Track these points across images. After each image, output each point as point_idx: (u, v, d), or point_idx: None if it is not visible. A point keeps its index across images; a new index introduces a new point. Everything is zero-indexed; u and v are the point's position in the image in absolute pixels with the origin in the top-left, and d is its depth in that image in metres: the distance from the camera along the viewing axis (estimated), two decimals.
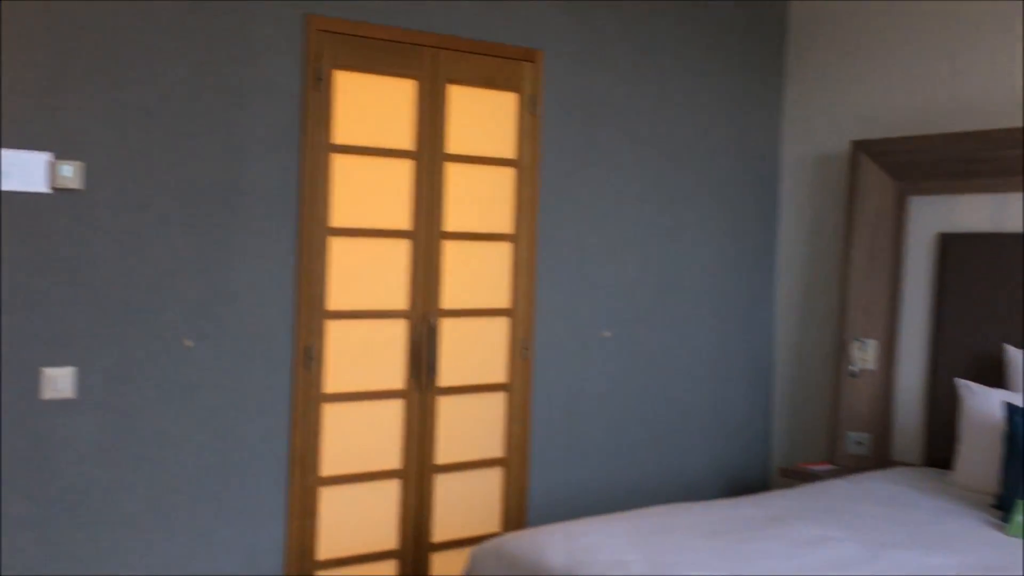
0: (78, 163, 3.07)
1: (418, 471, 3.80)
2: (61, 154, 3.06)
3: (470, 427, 3.93)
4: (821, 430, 4.68)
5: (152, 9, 3.20)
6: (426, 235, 3.78)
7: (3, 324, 2.99)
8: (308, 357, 3.53)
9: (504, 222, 3.99)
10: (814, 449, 4.71)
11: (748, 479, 4.79)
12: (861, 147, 4.39)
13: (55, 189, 3.04)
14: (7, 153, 2.96)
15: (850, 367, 4.37)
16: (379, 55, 3.65)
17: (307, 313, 3.52)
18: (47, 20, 3.03)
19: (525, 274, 4.03)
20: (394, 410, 3.75)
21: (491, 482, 3.99)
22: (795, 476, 4.33)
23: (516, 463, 4.04)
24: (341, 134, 3.59)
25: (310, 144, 3.51)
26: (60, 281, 3.08)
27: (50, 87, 3.04)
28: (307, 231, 3.51)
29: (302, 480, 3.54)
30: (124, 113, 3.17)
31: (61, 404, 3.10)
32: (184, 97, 3.27)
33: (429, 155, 3.78)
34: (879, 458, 4.33)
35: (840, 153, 4.63)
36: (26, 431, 3.05)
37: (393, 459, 3.75)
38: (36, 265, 3.04)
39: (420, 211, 3.77)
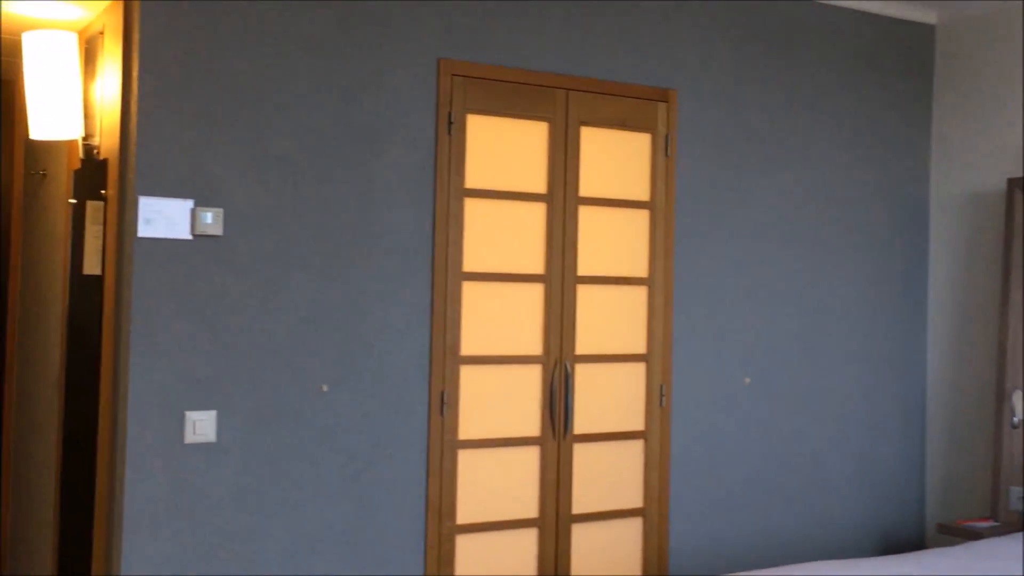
0: (218, 210, 3.13)
1: (555, 520, 3.70)
2: (201, 201, 3.12)
3: (607, 476, 3.81)
4: (980, 484, 4.39)
5: (291, 58, 3.26)
6: (559, 279, 3.72)
7: (148, 367, 3.04)
8: (442, 403, 3.49)
9: (638, 265, 3.90)
10: (973, 504, 4.42)
11: (901, 535, 4.52)
12: (1018, 184, 4.15)
13: (196, 235, 3.10)
14: (151, 201, 3.03)
15: (1013, 418, 4.09)
16: (511, 98, 3.64)
17: (441, 358, 3.49)
18: (191, 69, 3.11)
19: (661, 318, 3.92)
20: (530, 457, 3.67)
21: (630, 532, 3.86)
22: (955, 533, 4.06)
23: (655, 513, 3.90)
24: (473, 178, 3.58)
25: (443, 189, 3.50)
26: (201, 326, 3.12)
27: (192, 135, 3.11)
28: (441, 276, 3.49)
29: (439, 527, 3.48)
30: (263, 160, 3.22)
31: (203, 448, 3.13)
32: (321, 144, 3.31)
33: (562, 198, 3.74)
34: None
35: (995, 191, 4.40)
36: (170, 475, 3.08)
37: (529, 507, 3.66)
38: (178, 310, 3.09)
39: (553, 255, 3.71)
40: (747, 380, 4.14)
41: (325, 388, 3.31)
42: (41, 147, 4.15)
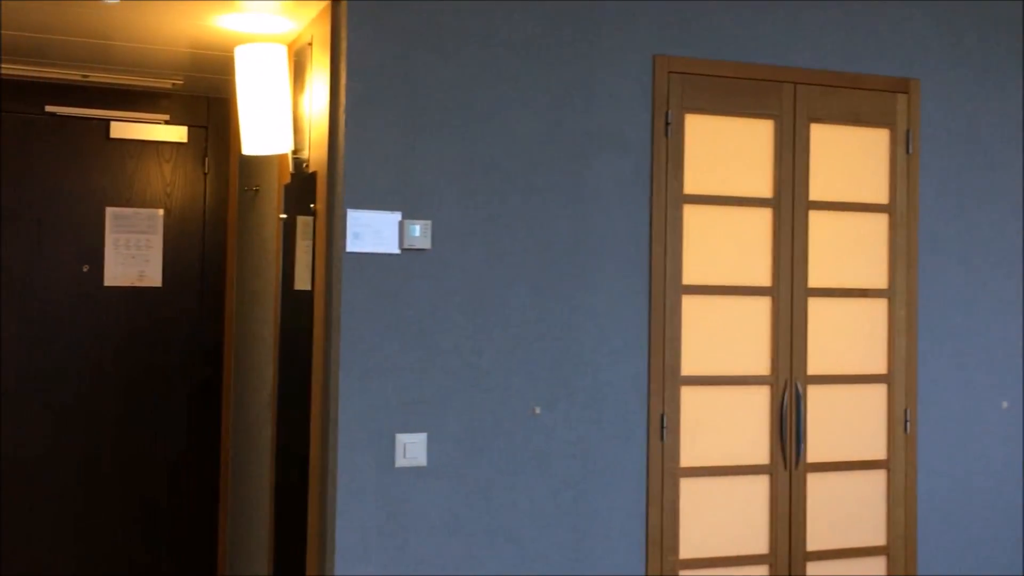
0: (426, 222, 2.99)
1: (788, 557, 3.37)
2: (409, 213, 2.99)
3: (845, 509, 3.45)
4: None
5: (499, 62, 3.10)
6: (788, 291, 3.40)
7: (357, 387, 2.93)
8: (662, 427, 3.24)
9: (877, 276, 3.53)
10: None
11: None
12: None
13: (404, 249, 2.97)
14: (359, 214, 2.92)
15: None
16: (733, 95, 3.35)
17: (660, 378, 3.24)
18: (397, 77, 2.99)
19: (904, 335, 3.53)
20: (758, 487, 3.36)
21: (872, 573, 3.48)
22: None
23: (901, 552, 3.50)
24: (693, 183, 3.31)
25: (660, 195, 3.25)
26: (410, 344, 2.99)
27: (399, 145, 2.99)
28: (659, 289, 3.24)
29: (660, 562, 3.22)
30: (471, 169, 3.07)
31: (414, 472, 2.99)
32: (530, 151, 3.13)
33: (790, 202, 3.41)
34: None
35: None
36: (381, 499, 2.96)
37: (759, 542, 3.35)
38: (387, 327, 2.97)
39: (781, 265, 3.40)
40: (1005, 404, 3.68)
41: (537, 411, 3.12)
42: (254, 163, 4.17)
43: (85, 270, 4.39)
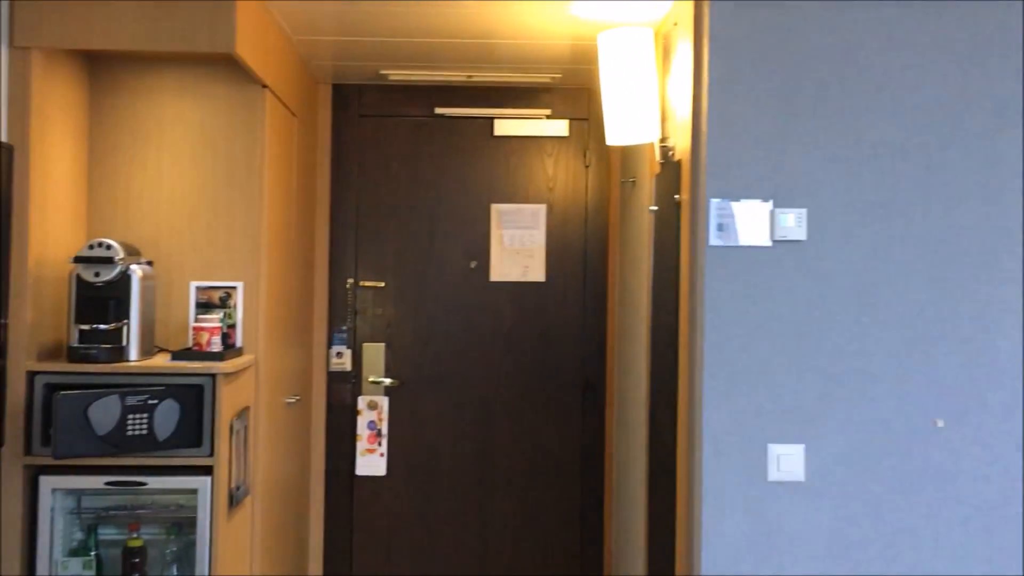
0: (800, 211, 2.67)
1: None
2: (780, 202, 2.68)
3: None
4: None
5: (892, 24, 2.70)
6: None
7: (724, 391, 2.68)
8: None
9: None
10: None
11: None
12: None
13: (775, 241, 2.67)
14: (723, 204, 2.66)
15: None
16: None
17: None
18: (766, 50, 2.69)
19: None
20: None
21: None
22: None
23: None
24: None
25: None
26: (784, 346, 2.68)
27: (769, 127, 2.69)
28: None
29: None
30: (854, 150, 2.69)
31: (789, 487, 2.69)
32: (929, 124, 2.70)
33: None
34: None
35: None
36: (752, 515, 2.69)
37: None
38: (757, 327, 2.68)
39: None
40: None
41: (940, 423, 2.69)
42: (633, 153, 4.03)
43: (473, 266, 4.49)
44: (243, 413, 3.20)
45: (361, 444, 4.45)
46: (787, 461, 2.69)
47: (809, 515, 2.69)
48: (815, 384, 2.69)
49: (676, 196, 2.96)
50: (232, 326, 3.27)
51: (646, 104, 3.17)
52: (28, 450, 2.89)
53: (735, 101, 2.69)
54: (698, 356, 2.71)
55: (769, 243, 2.67)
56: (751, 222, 2.67)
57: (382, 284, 4.49)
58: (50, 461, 2.86)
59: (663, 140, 3.20)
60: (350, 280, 4.48)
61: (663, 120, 3.20)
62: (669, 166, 3.14)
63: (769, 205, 2.67)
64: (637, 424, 3.77)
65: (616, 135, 3.23)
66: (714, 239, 2.67)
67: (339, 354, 4.46)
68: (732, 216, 2.67)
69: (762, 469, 2.69)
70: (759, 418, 2.69)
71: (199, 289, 3.27)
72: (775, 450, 2.68)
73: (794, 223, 2.66)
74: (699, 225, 2.72)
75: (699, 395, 2.70)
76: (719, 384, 2.68)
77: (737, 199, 2.68)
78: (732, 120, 2.69)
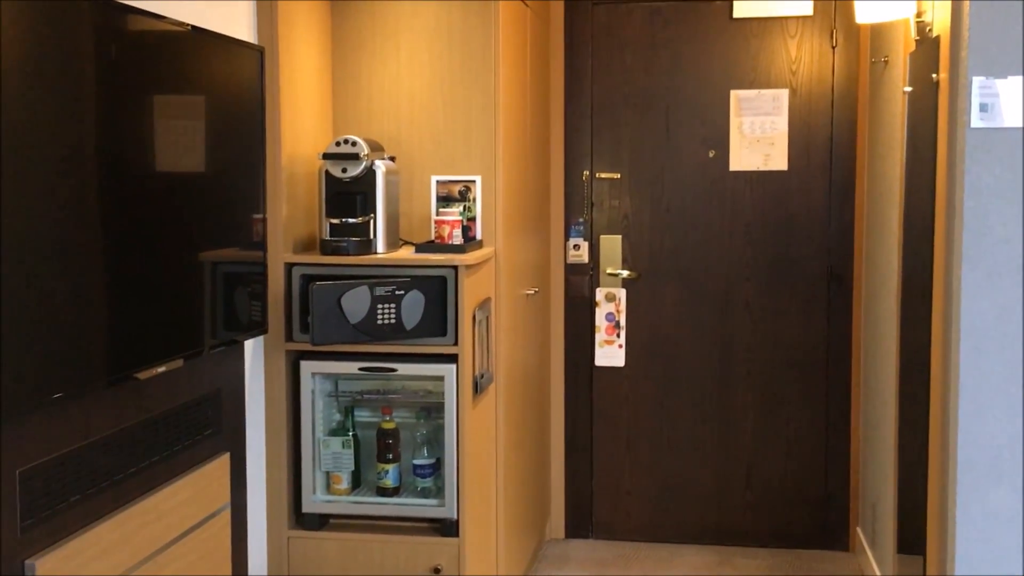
0: None
1: None
2: None
3: None
4: None
5: None
6: None
7: (982, 285, 2.50)
8: None
9: None
10: None
11: None
12: None
13: None
14: (987, 83, 2.44)
15: None
16: None
17: None
18: None
19: None
20: None
21: None
22: None
23: None
24: None
25: None
26: None
27: None
28: None
29: None
30: None
31: None
32: None
33: None
34: None
35: None
36: (1012, 416, 2.52)
37: None
38: (1021, 216, 2.48)
39: None
40: None
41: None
42: (884, 31, 3.76)
43: (711, 155, 4.37)
44: (485, 304, 3.29)
45: (600, 336, 4.49)
46: None
47: None
48: None
49: (934, 75, 2.75)
50: (472, 219, 3.34)
51: None
52: (289, 336, 3.09)
53: None
54: (956, 247, 2.54)
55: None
56: (1018, 101, 2.44)
57: (618, 175, 4.45)
58: (309, 347, 3.05)
59: (919, 15, 2.96)
60: (586, 172, 4.46)
61: None
62: (925, 43, 2.91)
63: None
64: (887, 317, 3.61)
65: (867, 11, 3.02)
66: (976, 121, 2.47)
67: (576, 247, 4.49)
68: (997, 95, 2.45)
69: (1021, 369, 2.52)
70: (1022, 314, 2.50)
71: (439, 183, 3.35)
72: None
73: None
74: (959, 106, 2.51)
75: (957, 288, 2.54)
76: (979, 277, 2.51)
77: (1003, 76, 2.45)
78: None
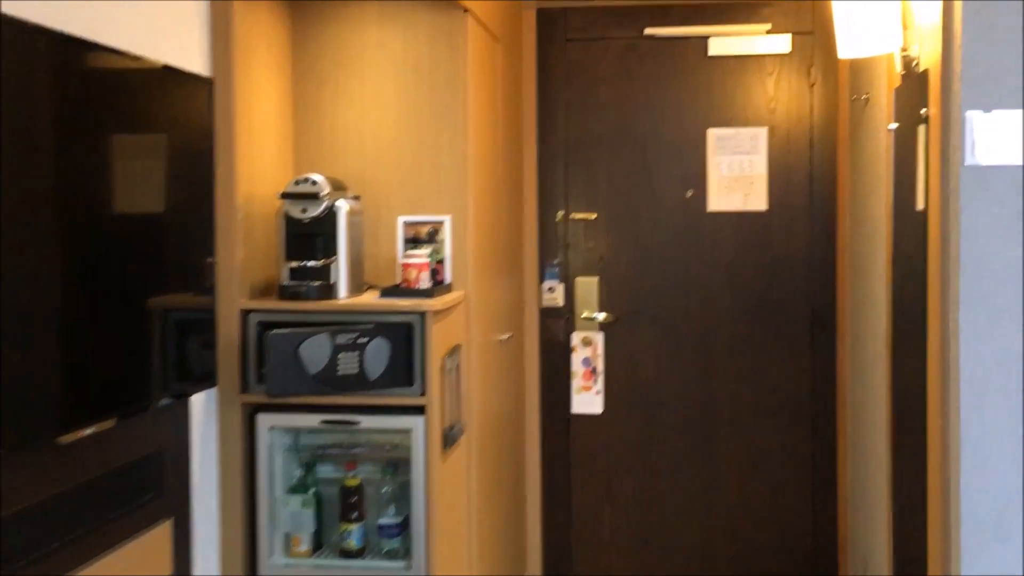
0: None
1: None
2: None
3: None
4: None
5: None
6: None
7: (981, 331, 2.37)
8: None
9: None
10: None
11: None
12: None
13: None
14: (981, 117, 2.32)
15: None
16: None
17: None
18: None
19: None
20: None
21: None
22: None
23: None
24: None
25: None
26: None
27: None
28: None
29: None
30: None
31: None
32: None
33: None
34: None
35: None
36: (1016, 469, 2.38)
37: None
38: (1020, 258, 2.35)
39: None
40: None
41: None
42: (864, 67, 3.66)
43: (688, 195, 4.24)
44: (455, 351, 3.12)
45: (576, 382, 4.32)
46: None
47: None
48: None
49: (923, 110, 2.62)
50: (440, 261, 3.18)
51: (885, 9, 2.82)
52: (245, 388, 2.90)
53: None
54: (952, 289, 2.40)
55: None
56: (1015, 137, 2.31)
57: (594, 216, 4.31)
58: (266, 399, 2.86)
59: (904, 49, 2.85)
60: (560, 212, 4.32)
61: (904, 27, 2.84)
62: (912, 78, 2.79)
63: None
64: (875, 362, 3.46)
65: (849, 47, 2.90)
66: (970, 158, 2.34)
67: (551, 289, 4.33)
68: (991, 130, 2.32)
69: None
70: (1021, 360, 2.36)
71: (406, 224, 3.19)
72: None
73: None
74: (952, 142, 2.38)
75: (954, 333, 2.39)
76: (978, 321, 2.36)
77: (998, 109, 2.32)
78: (991, 19, 2.33)
